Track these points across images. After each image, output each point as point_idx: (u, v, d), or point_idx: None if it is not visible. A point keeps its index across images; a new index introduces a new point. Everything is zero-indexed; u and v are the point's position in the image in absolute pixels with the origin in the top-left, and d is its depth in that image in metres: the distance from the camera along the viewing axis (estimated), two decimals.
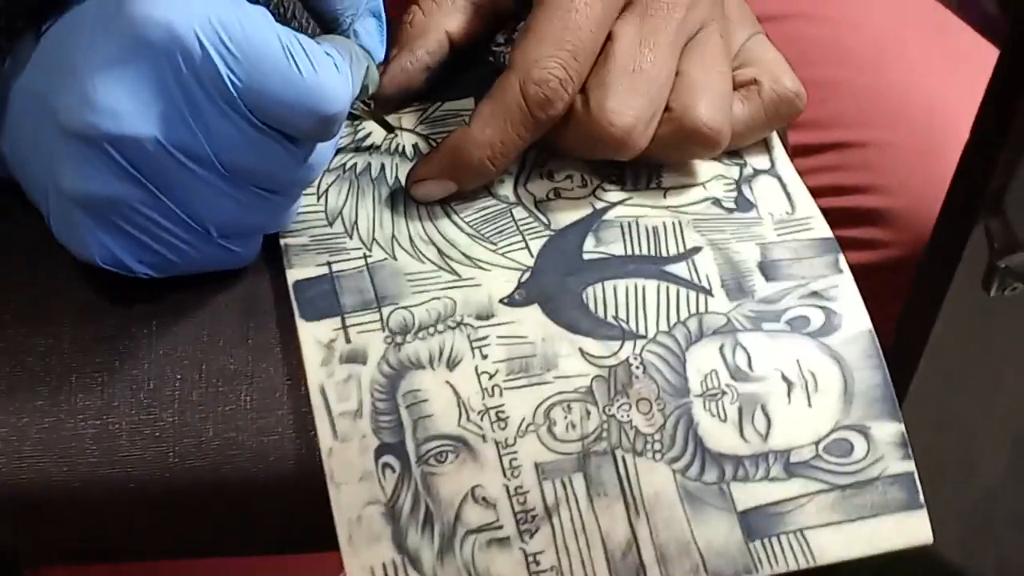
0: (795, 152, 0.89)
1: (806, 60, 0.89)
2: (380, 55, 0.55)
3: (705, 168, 0.57)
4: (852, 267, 0.55)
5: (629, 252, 0.54)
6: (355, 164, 0.56)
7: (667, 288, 0.53)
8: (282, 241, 0.54)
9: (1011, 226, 0.70)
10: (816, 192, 0.89)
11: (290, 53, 0.47)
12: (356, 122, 0.58)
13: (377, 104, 0.57)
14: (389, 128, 0.57)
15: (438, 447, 0.50)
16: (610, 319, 0.52)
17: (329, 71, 0.48)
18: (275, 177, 0.50)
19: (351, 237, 0.54)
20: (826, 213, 0.88)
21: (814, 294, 0.53)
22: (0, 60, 0.51)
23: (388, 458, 0.50)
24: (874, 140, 0.87)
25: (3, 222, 0.54)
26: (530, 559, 0.50)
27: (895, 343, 0.73)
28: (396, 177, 0.56)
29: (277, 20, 0.48)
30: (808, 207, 0.56)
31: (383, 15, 0.55)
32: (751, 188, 0.56)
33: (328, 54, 0.49)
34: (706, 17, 0.56)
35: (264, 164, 0.49)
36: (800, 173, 0.90)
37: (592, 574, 0.50)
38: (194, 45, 0.46)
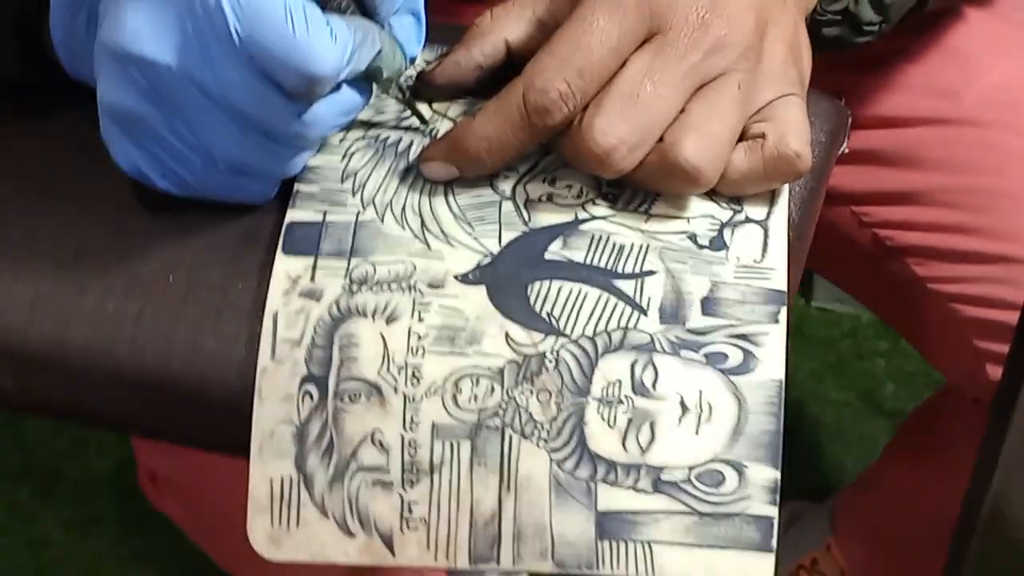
0: (967, 257, 0.89)
1: (998, 169, 0.89)
2: (413, 51, 0.61)
3: (697, 205, 0.60)
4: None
5: (588, 261, 0.58)
6: (388, 136, 0.62)
7: (607, 299, 0.57)
8: (296, 185, 0.60)
9: None
10: (974, 301, 0.89)
11: (290, 15, 0.54)
12: (405, 109, 0.64)
13: (423, 86, 0.63)
14: (423, 120, 0.63)
15: (355, 388, 0.56)
16: (544, 314, 0.56)
17: (321, 37, 0.54)
18: (272, 126, 0.56)
19: (354, 195, 0.60)
20: (978, 324, 0.88)
21: (742, 336, 0.56)
22: None
23: (310, 387, 0.56)
24: None
25: (88, 123, 0.63)
26: (405, 506, 0.55)
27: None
28: (418, 154, 0.62)
29: None
30: (777, 260, 0.58)
31: (422, 16, 0.60)
32: (732, 232, 0.59)
33: (330, 24, 0.55)
34: (728, 66, 0.59)
35: (262, 111, 0.56)
36: (965, 279, 0.90)
37: (454, 534, 0.55)
38: None
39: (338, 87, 0.58)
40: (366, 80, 0.60)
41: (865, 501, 1.23)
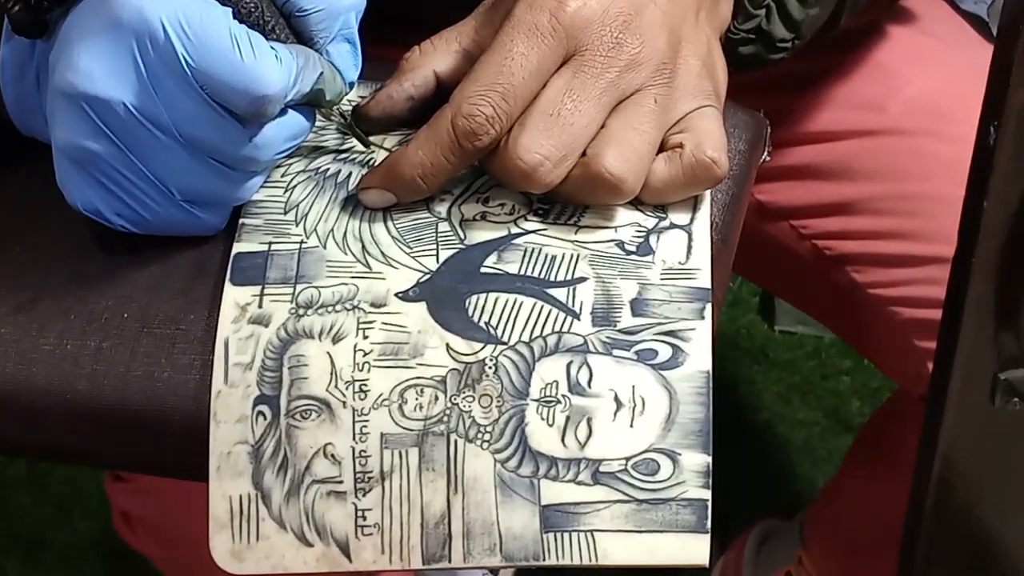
0: (903, 261, 0.93)
1: (926, 175, 0.93)
2: (351, 76, 0.64)
3: (624, 215, 0.63)
4: None
5: (522, 272, 0.61)
6: (328, 168, 0.65)
7: (542, 306, 0.60)
8: (241, 220, 0.63)
9: (1021, 339, 0.72)
10: (912, 303, 0.92)
11: (236, 43, 0.57)
12: (346, 136, 0.67)
13: (359, 120, 0.66)
14: (364, 143, 0.66)
15: (305, 405, 0.58)
16: (481, 324, 0.59)
17: (267, 60, 0.58)
18: (226, 151, 0.60)
19: (297, 225, 0.63)
20: (917, 324, 0.91)
21: (670, 332, 0.59)
22: (40, 36, 0.62)
23: (263, 407, 0.59)
24: None
25: (40, 177, 0.66)
26: (359, 514, 0.58)
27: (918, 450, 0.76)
28: (356, 184, 0.65)
29: (237, 18, 0.58)
30: (701, 260, 0.61)
31: (357, 42, 0.64)
32: (658, 238, 0.62)
33: (274, 49, 0.58)
34: (644, 82, 0.62)
35: (215, 137, 0.59)
36: (902, 283, 0.93)
37: (407, 536, 0.57)
38: (159, 29, 0.56)
39: (284, 112, 0.61)
40: (309, 106, 0.63)
41: (830, 510, 1.26)
